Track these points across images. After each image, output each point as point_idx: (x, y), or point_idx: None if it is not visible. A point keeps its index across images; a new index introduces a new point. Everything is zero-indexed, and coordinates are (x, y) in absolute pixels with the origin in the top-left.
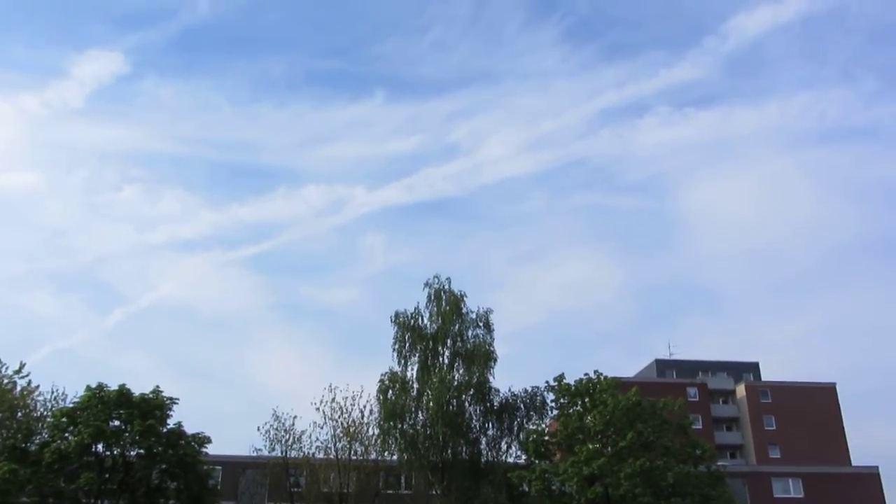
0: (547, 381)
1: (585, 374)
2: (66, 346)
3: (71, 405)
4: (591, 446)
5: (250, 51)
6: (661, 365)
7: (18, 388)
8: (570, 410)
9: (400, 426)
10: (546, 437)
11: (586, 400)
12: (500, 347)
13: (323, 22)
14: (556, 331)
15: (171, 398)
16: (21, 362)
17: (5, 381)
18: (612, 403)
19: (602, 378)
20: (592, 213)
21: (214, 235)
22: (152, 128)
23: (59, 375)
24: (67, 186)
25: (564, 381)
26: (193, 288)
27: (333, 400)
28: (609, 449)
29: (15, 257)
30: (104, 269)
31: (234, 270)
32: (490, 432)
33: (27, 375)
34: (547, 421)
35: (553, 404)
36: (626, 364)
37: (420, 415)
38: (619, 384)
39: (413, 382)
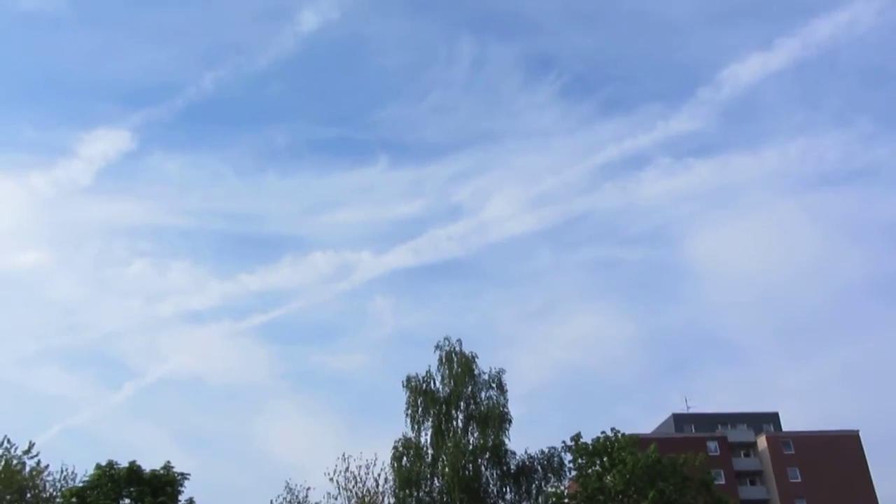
0: (564, 441)
1: (602, 432)
2: (75, 424)
3: (80, 484)
4: None
5: (254, 122)
6: (679, 419)
7: (28, 469)
8: (589, 471)
9: (416, 494)
10: (566, 500)
11: (605, 459)
12: (514, 408)
13: (323, 92)
14: (569, 388)
15: (182, 473)
16: (30, 442)
17: (14, 461)
18: (631, 462)
19: (620, 435)
20: (599, 267)
21: (223, 306)
22: (159, 201)
23: (69, 454)
24: (76, 263)
25: (581, 440)
26: (203, 359)
27: (347, 469)
28: None
29: (24, 336)
30: (114, 344)
31: (244, 340)
32: (508, 496)
33: (36, 455)
34: (566, 482)
35: (571, 465)
36: (643, 419)
37: (436, 481)
38: (638, 441)
39: (427, 448)
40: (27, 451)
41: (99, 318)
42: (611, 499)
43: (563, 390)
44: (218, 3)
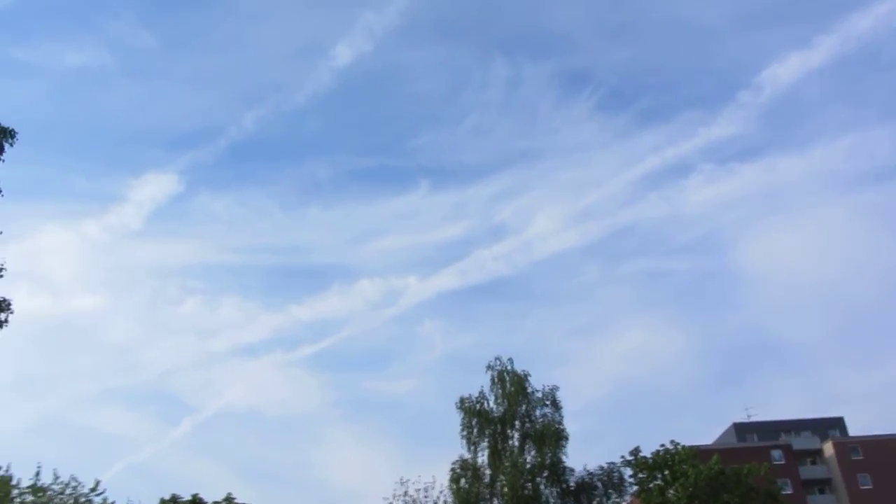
0: (622, 456)
1: (662, 446)
2: (138, 461)
3: None
4: None
5: (295, 157)
6: (740, 428)
7: None
8: (651, 485)
9: None
10: None
11: (666, 472)
12: (569, 425)
13: (361, 122)
14: (624, 402)
15: None
16: (96, 480)
17: (82, 499)
18: (693, 474)
19: (680, 448)
20: (648, 279)
21: (275, 338)
22: (208, 240)
23: (133, 490)
24: (132, 304)
25: (641, 454)
26: (258, 391)
27: (406, 493)
28: None
29: (85, 378)
30: (171, 381)
31: (297, 371)
32: None
33: (102, 493)
34: (627, 498)
35: (631, 480)
36: (703, 430)
37: (495, 502)
38: (699, 453)
39: (485, 468)
40: (94, 489)
41: (155, 357)
42: None
43: (619, 405)
44: (254, 46)
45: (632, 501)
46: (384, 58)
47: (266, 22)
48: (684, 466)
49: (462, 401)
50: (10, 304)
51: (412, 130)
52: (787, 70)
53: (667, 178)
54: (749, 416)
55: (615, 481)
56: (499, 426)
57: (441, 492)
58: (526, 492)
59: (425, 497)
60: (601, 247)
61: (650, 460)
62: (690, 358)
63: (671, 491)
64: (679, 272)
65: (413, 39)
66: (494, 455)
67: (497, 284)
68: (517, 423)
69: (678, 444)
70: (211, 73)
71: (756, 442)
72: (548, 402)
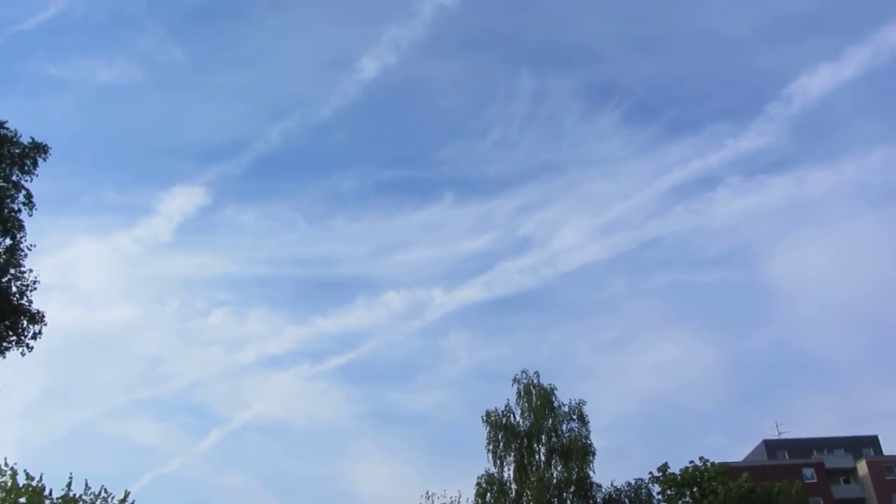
0: (650, 472)
1: (690, 462)
2: (167, 471)
3: None
4: None
5: (321, 170)
6: (771, 446)
7: None
8: (679, 502)
9: None
10: None
11: (695, 490)
12: (596, 440)
13: (386, 135)
14: (652, 417)
15: None
16: (126, 491)
17: None
18: (723, 491)
19: (709, 465)
20: (675, 292)
21: (301, 350)
22: (235, 252)
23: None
24: (161, 316)
25: (669, 470)
26: (285, 403)
27: None
28: None
29: (115, 389)
30: (199, 393)
31: (323, 383)
32: None
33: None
34: None
35: (659, 496)
36: (732, 447)
37: None
38: (728, 470)
39: (511, 483)
40: (123, 500)
41: (184, 369)
42: None
43: (646, 420)
44: (281, 60)
45: None
46: (409, 71)
47: (292, 36)
48: (714, 484)
49: (488, 414)
50: (43, 317)
51: (437, 143)
52: (817, 82)
53: (694, 191)
54: (780, 434)
55: (643, 498)
56: (525, 440)
57: None
58: None
59: None
60: (627, 259)
61: (679, 477)
62: (719, 373)
63: None
64: (707, 285)
65: (438, 52)
66: (520, 469)
67: (522, 297)
68: (543, 437)
69: (707, 460)
70: (238, 87)
71: (787, 460)
72: (574, 417)
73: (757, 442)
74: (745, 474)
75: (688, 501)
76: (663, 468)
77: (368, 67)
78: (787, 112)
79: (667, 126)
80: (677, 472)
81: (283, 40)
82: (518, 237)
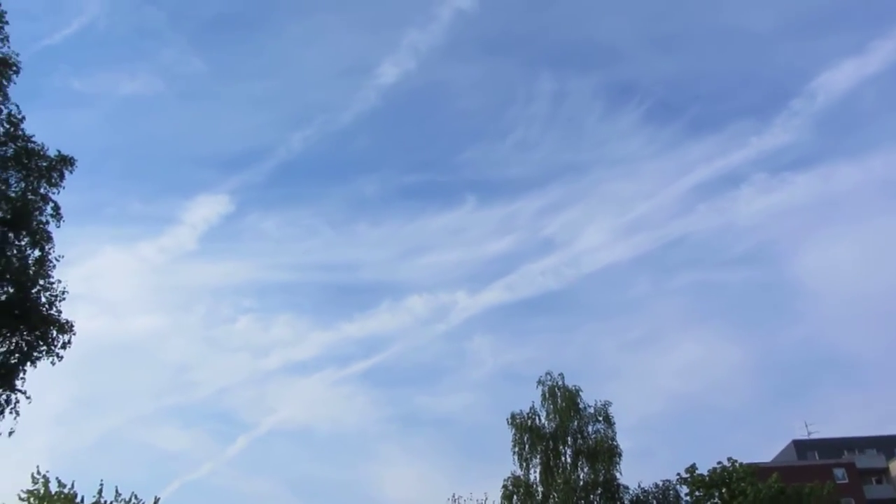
0: (678, 474)
1: (718, 463)
2: (195, 478)
3: None
4: None
5: (343, 176)
6: (801, 446)
7: None
8: (708, 503)
9: None
10: None
11: (723, 490)
12: (622, 441)
13: (407, 139)
14: (679, 418)
15: None
16: (156, 497)
17: None
18: (752, 493)
19: (737, 465)
20: (701, 291)
21: (326, 355)
22: (260, 259)
23: None
24: (187, 324)
25: (697, 471)
26: (311, 408)
27: None
28: None
29: (143, 397)
30: (226, 399)
31: (348, 387)
32: None
33: None
34: None
35: (687, 498)
36: (761, 448)
37: None
38: (757, 470)
39: (537, 485)
40: None
41: (210, 375)
42: None
43: (673, 421)
44: (301, 68)
45: None
46: (429, 75)
47: (312, 44)
48: (742, 484)
49: (513, 417)
50: (72, 326)
51: (458, 146)
52: (841, 77)
53: (718, 189)
54: (809, 433)
55: (671, 499)
56: (551, 442)
57: None
58: None
59: None
60: (652, 259)
61: (707, 478)
62: (746, 372)
63: None
64: (733, 284)
65: (457, 56)
66: (547, 472)
67: (546, 299)
68: (569, 439)
69: (735, 461)
70: (259, 96)
71: (817, 460)
72: (600, 418)
73: (786, 442)
74: (774, 475)
75: (716, 503)
76: (691, 469)
77: (388, 73)
78: (812, 108)
79: (689, 124)
80: (705, 473)
81: (303, 48)
82: (541, 239)
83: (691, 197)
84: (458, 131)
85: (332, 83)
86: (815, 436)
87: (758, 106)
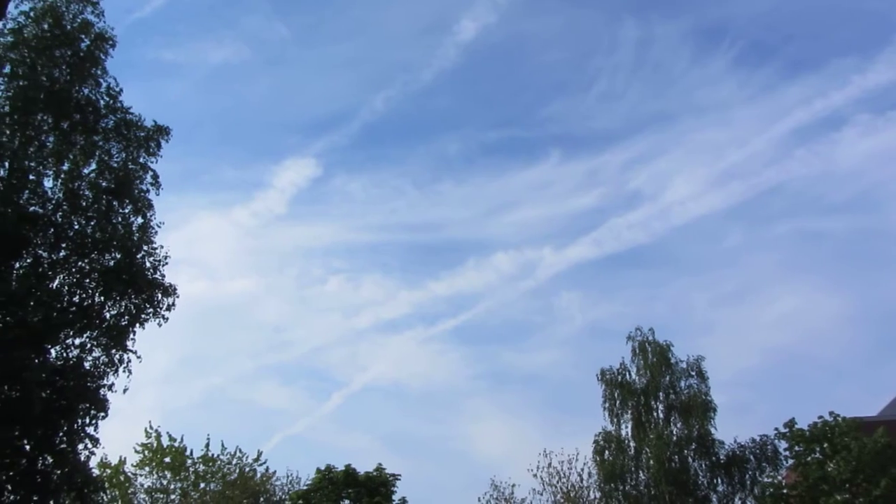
0: (776, 429)
1: (820, 417)
2: (294, 433)
3: (304, 488)
4: (839, 497)
5: (426, 135)
6: None
7: (258, 475)
8: (808, 459)
9: (622, 488)
10: (784, 490)
11: (825, 446)
12: (716, 396)
13: (489, 96)
14: (776, 372)
15: (393, 474)
16: (259, 451)
17: (247, 469)
18: (856, 448)
19: (840, 420)
20: (799, 241)
21: (414, 313)
22: (347, 221)
23: (291, 460)
24: (280, 285)
25: (796, 426)
26: (401, 366)
27: (550, 465)
28: (861, 500)
29: (243, 356)
30: (320, 358)
31: (437, 345)
32: (720, 488)
33: (265, 463)
34: (782, 472)
35: (787, 453)
36: (864, 401)
37: (641, 474)
38: (862, 425)
39: (629, 441)
40: (256, 459)
41: (304, 335)
42: (836, 488)
43: (769, 375)
44: (381, 29)
45: (788, 475)
46: (509, 28)
47: (391, 4)
48: (846, 439)
49: (603, 372)
50: (175, 289)
51: (540, 100)
52: None
53: (817, 133)
54: None
55: (769, 455)
56: (642, 398)
57: (585, 464)
58: (673, 465)
59: (569, 469)
60: (746, 209)
61: (807, 433)
62: (849, 323)
63: (831, 465)
64: (834, 233)
65: (538, 8)
66: (638, 427)
67: (634, 253)
68: (661, 394)
69: (838, 415)
70: (341, 59)
71: None
72: (693, 373)
73: (892, 395)
74: (880, 429)
75: (817, 458)
76: (790, 424)
77: (467, 28)
78: None
79: (785, 65)
80: (805, 428)
81: (382, 9)
82: (628, 192)
83: (788, 142)
84: (540, 85)
85: (413, 42)
86: None
87: (860, 42)
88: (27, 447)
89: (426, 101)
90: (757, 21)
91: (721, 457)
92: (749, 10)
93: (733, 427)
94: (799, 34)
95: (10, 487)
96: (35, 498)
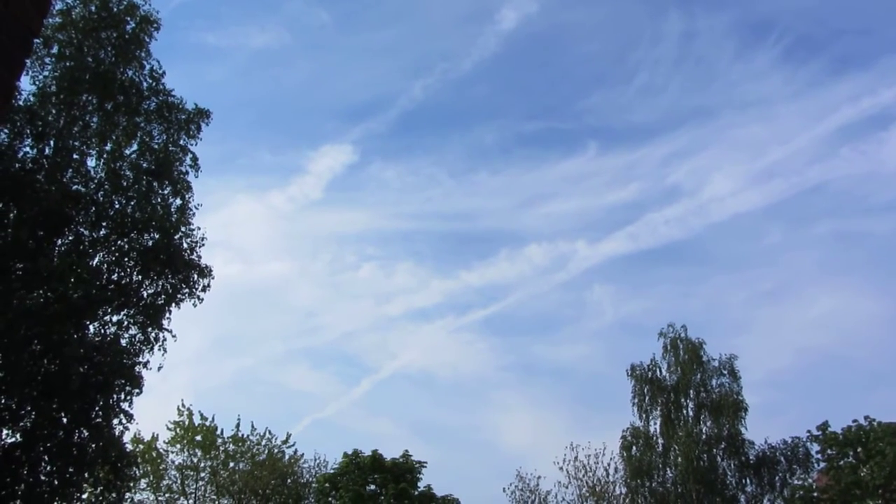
0: (809, 431)
1: (854, 421)
2: (323, 416)
3: (332, 471)
4: (871, 503)
5: (463, 124)
6: None
7: (287, 457)
8: (841, 462)
9: (648, 484)
10: (815, 493)
11: (859, 450)
12: (748, 396)
13: (527, 86)
14: (810, 374)
15: (419, 462)
16: (287, 433)
17: (276, 450)
18: (891, 453)
19: (875, 424)
20: (841, 241)
21: (446, 302)
22: (381, 208)
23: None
24: (313, 270)
25: (830, 429)
26: (431, 354)
27: (576, 458)
28: None
29: (274, 339)
30: (350, 343)
31: (467, 335)
32: (748, 489)
33: (293, 445)
34: (813, 475)
35: (819, 456)
36: None
37: (668, 472)
38: None
39: (657, 437)
40: (285, 441)
41: (336, 320)
42: (869, 493)
43: (803, 377)
44: (421, 16)
45: (819, 478)
46: (550, 18)
47: None
48: (881, 444)
49: (633, 368)
50: (211, 271)
51: (579, 92)
52: None
53: (864, 131)
54: None
55: (800, 457)
56: (672, 395)
57: (612, 459)
58: (702, 463)
59: (596, 463)
60: (786, 207)
61: (841, 436)
62: (887, 327)
63: (865, 470)
64: (878, 234)
65: None
66: (667, 424)
67: (670, 249)
68: (691, 392)
69: (873, 420)
70: (381, 46)
71: None
72: (725, 372)
73: None
74: None
75: (851, 462)
76: (823, 426)
77: (508, 17)
78: None
79: (833, 61)
80: (839, 432)
81: None
82: (666, 186)
83: (833, 140)
84: (580, 76)
85: (453, 30)
86: None
87: None
88: (64, 420)
89: (465, 90)
90: (805, 16)
91: (751, 457)
92: (798, 4)
93: (764, 428)
94: (849, 29)
95: (46, 458)
96: (70, 469)
